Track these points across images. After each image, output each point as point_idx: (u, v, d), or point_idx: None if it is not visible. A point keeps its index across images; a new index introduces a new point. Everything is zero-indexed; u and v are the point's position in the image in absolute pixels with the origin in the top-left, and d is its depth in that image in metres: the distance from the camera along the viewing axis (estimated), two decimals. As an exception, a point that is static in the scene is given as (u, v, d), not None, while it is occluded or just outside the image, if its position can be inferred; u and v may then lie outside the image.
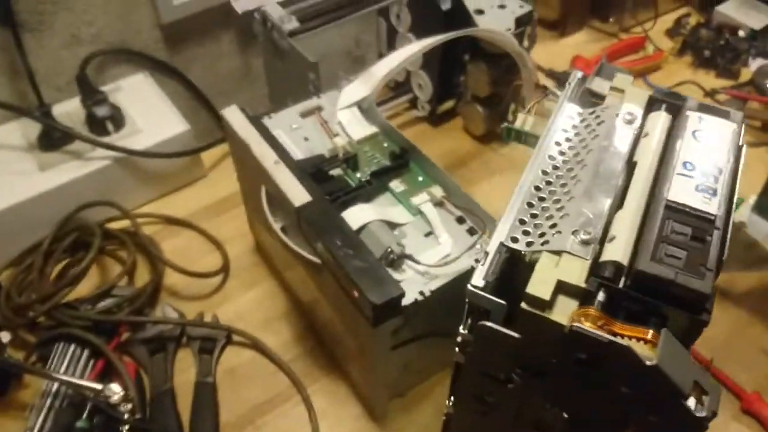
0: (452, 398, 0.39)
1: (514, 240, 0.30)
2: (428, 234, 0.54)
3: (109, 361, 0.61)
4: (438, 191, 0.55)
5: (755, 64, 0.97)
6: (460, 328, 0.32)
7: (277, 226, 0.54)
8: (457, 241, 0.53)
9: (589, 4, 1.03)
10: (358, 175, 0.57)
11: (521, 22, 0.72)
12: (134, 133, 0.75)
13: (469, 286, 0.29)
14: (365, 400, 0.61)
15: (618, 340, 0.25)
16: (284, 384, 0.63)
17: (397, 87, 0.88)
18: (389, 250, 0.50)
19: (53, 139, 0.72)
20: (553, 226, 0.30)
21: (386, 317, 0.47)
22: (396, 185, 0.57)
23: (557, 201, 0.31)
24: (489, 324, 0.28)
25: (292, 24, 0.71)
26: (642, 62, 0.96)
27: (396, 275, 0.49)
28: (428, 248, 0.52)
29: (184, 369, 0.64)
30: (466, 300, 0.30)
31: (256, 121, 0.59)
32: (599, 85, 0.41)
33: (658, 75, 0.97)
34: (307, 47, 0.71)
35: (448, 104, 0.86)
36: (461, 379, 0.34)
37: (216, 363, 0.65)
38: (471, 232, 0.54)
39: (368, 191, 0.55)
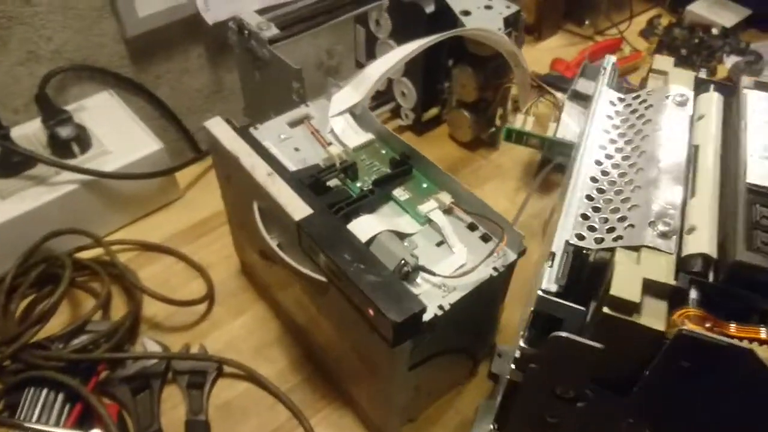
0: (496, 424, 0.35)
1: (580, 237, 0.27)
2: (440, 243, 0.50)
3: (87, 405, 0.55)
4: (446, 197, 0.52)
5: (730, 60, 0.97)
6: (520, 342, 0.28)
7: (273, 244, 0.50)
8: (471, 249, 0.49)
9: (564, 8, 1.03)
10: (359, 184, 0.53)
11: (509, 22, 0.70)
12: (102, 154, 0.70)
13: (539, 292, 0.25)
14: (376, 430, 0.56)
15: (736, 342, 0.22)
16: (284, 416, 0.58)
17: (379, 96, 0.85)
18: (403, 262, 0.46)
19: (13, 163, 0.66)
20: (623, 219, 0.27)
21: (406, 336, 0.43)
22: (400, 193, 0.53)
23: (619, 192, 0.28)
24: (566, 335, 0.24)
25: (272, 31, 0.67)
26: (621, 63, 0.95)
27: (411, 289, 0.45)
28: (441, 259, 0.48)
29: (173, 407, 0.59)
30: (531, 309, 0.26)
31: (244, 132, 0.55)
32: (584, 86, 0.39)
33: (637, 75, 0.96)
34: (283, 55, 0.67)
35: (433, 111, 0.83)
36: (519, 400, 0.30)
37: (207, 398, 0.59)
38: (485, 239, 0.50)
39: (371, 201, 0.51)
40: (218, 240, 0.72)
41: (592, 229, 0.27)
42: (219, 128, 0.54)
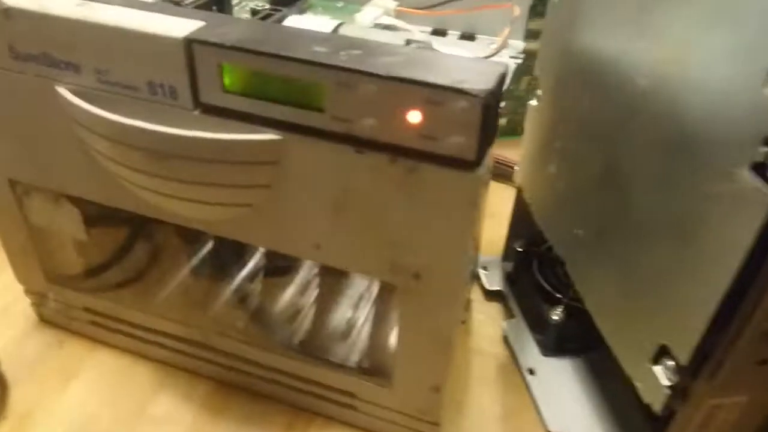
0: None
1: None
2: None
3: None
4: (386, 1, 0.33)
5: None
6: None
7: (128, 120, 0.25)
8: (462, 49, 0.31)
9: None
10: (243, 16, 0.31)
11: None
12: None
13: None
14: (406, 420, 0.33)
15: None
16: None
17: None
18: (408, 42, 0.26)
19: None
20: None
21: (495, 125, 0.23)
22: (310, 21, 0.32)
23: None
24: None
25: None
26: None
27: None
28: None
29: None
30: None
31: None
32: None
33: None
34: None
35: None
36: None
37: None
38: (469, 38, 0.33)
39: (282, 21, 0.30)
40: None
41: None
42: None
